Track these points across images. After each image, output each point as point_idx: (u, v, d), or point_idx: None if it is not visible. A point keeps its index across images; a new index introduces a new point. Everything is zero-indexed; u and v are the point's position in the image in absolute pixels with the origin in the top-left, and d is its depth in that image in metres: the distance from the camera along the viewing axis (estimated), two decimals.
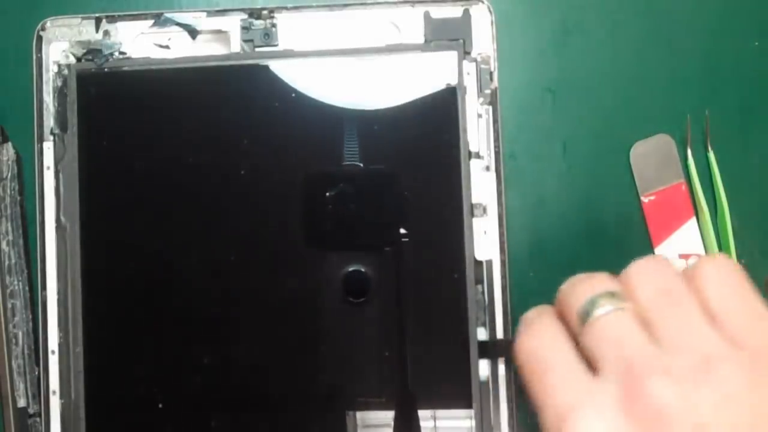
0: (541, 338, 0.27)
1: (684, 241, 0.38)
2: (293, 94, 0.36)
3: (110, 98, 0.37)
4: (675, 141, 0.38)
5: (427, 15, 0.37)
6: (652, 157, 0.38)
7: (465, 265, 0.35)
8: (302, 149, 0.36)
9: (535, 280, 0.38)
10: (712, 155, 0.38)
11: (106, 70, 0.37)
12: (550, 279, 0.37)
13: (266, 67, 0.37)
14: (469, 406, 0.35)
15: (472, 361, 0.35)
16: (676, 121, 0.38)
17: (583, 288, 0.26)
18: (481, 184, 0.36)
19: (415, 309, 0.36)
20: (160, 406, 0.35)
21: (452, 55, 0.36)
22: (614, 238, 0.38)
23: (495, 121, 0.37)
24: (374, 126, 0.36)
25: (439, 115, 0.36)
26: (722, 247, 0.37)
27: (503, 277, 0.36)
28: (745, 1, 0.38)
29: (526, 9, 0.39)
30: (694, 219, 0.38)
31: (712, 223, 0.37)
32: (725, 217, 0.37)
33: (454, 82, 0.36)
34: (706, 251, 0.37)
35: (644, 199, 0.38)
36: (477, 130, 0.36)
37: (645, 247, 0.38)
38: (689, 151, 0.38)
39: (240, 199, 0.36)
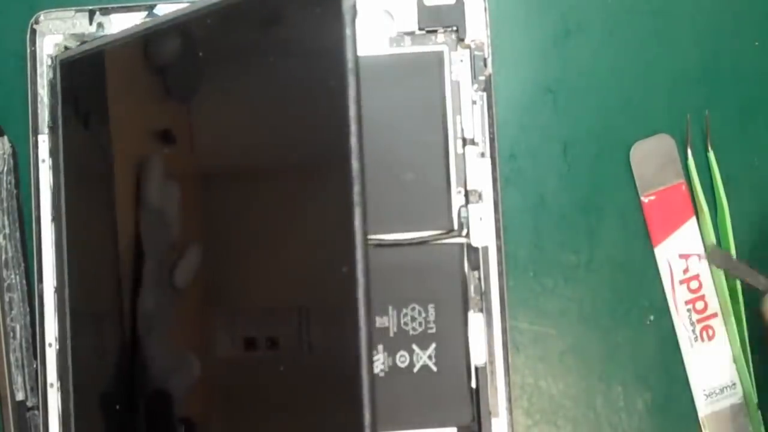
0: None
1: (684, 241, 0.38)
2: None
3: (96, 80, 0.35)
4: (675, 141, 0.38)
5: (420, 2, 0.37)
6: (652, 157, 0.38)
7: None
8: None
9: (535, 281, 0.38)
10: (712, 155, 0.38)
11: (87, 48, 0.35)
12: (550, 279, 0.38)
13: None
14: None
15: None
16: (677, 121, 0.38)
17: None
18: (477, 171, 0.36)
19: None
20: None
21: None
22: (614, 238, 0.38)
23: (489, 107, 0.36)
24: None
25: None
26: (722, 247, 0.37)
27: (499, 263, 0.36)
28: (745, 2, 0.38)
29: (526, 8, 0.39)
30: (694, 219, 0.38)
31: (712, 223, 0.37)
32: (725, 217, 0.37)
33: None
34: (705, 251, 0.37)
35: (644, 199, 0.38)
36: (472, 116, 0.36)
37: (645, 247, 0.38)
38: (689, 151, 0.38)
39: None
